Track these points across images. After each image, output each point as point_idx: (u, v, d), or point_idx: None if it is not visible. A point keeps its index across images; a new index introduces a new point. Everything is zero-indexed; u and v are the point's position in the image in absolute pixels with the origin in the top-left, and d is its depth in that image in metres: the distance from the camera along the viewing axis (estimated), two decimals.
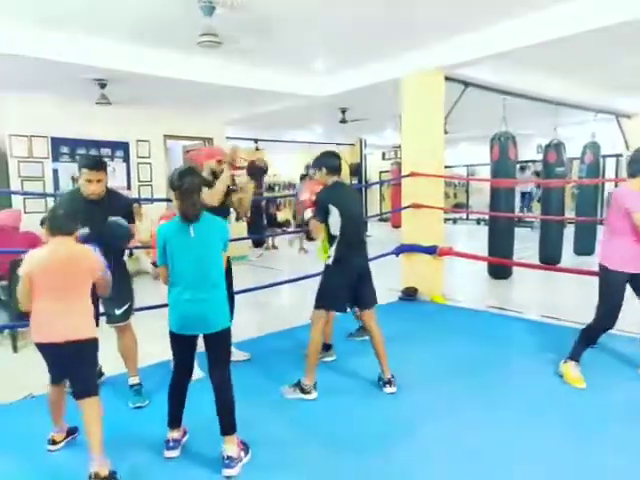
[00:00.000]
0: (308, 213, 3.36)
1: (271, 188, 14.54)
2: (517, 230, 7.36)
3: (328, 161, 3.36)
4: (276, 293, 6.06)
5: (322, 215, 3.22)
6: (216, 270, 2.56)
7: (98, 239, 2.77)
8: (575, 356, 3.45)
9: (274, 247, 11.03)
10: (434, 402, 3.20)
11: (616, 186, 8.08)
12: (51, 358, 2.50)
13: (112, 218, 3.01)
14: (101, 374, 3.53)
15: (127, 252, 7.19)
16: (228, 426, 2.51)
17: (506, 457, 2.57)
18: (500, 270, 7.00)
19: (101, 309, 3.16)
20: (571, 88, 7.32)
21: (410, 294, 5.87)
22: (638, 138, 8.32)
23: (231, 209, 3.82)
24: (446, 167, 7.48)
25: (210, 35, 4.18)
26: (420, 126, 5.85)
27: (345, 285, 3.27)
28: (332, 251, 3.27)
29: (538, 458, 2.54)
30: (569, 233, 8.41)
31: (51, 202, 6.50)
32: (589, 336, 3.45)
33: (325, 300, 3.30)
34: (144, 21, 4.52)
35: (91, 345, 2.52)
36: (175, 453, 2.59)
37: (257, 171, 3.85)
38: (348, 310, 3.59)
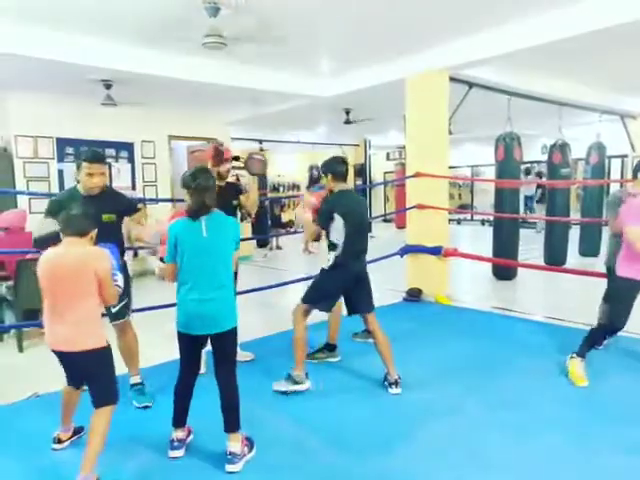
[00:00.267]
0: (308, 215, 3.37)
1: (275, 189, 14.57)
2: (522, 231, 7.34)
3: (336, 167, 3.37)
4: (280, 294, 6.06)
5: (323, 221, 3.25)
6: (226, 270, 2.58)
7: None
8: (582, 353, 3.47)
9: (278, 247, 11.04)
10: (438, 402, 3.20)
11: (621, 187, 8.06)
12: (61, 364, 2.47)
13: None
14: None
15: (132, 253, 7.26)
16: (232, 424, 2.53)
17: (509, 458, 2.56)
18: (505, 271, 6.98)
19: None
20: (576, 89, 7.29)
21: (414, 295, 5.86)
22: None
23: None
24: (451, 168, 7.48)
25: (215, 36, 4.19)
26: (425, 127, 5.85)
27: (338, 289, 3.31)
28: (331, 256, 3.28)
29: (541, 459, 2.53)
30: (574, 234, 8.38)
31: None
32: (598, 336, 3.48)
33: (314, 297, 3.34)
34: (149, 22, 4.53)
35: (97, 355, 2.38)
36: (180, 453, 2.59)
37: (256, 165, 3.85)
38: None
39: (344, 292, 3.39)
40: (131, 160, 8.24)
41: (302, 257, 3.71)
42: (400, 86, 5.93)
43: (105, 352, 2.42)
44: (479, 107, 7.18)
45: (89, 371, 2.42)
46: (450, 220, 7.94)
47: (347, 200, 3.34)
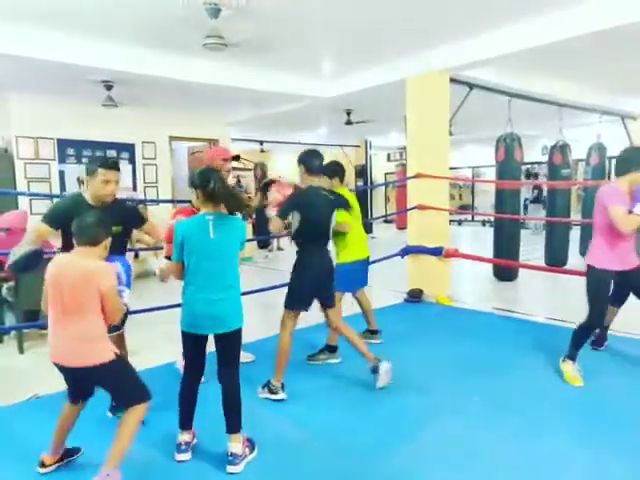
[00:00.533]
0: (271, 212, 3.38)
1: None
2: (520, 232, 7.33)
3: (311, 160, 3.35)
4: (281, 295, 6.05)
5: (282, 212, 3.26)
6: (233, 271, 2.59)
7: None
8: (572, 356, 3.48)
9: (279, 249, 11.04)
10: (439, 403, 3.19)
11: None
12: (64, 377, 2.38)
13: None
14: None
15: (133, 254, 7.26)
16: (234, 425, 2.53)
17: (510, 459, 2.55)
18: (506, 272, 6.98)
19: None
20: (576, 89, 7.30)
21: (415, 296, 5.86)
22: None
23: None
24: (451, 168, 7.47)
25: (216, 37, 4.19)
26: (425, 128, 5.85)
27: (309, 286, 3.31)
28: (299, 254, 3.34)
29: (542, 460, 2.53)
30: (575, 235, 8.36)
31: None
32: (581, 336, 3.47)
33: (291, 300, 3.34)
34: (150, 23, 4.54)
35: (109, 367, 2.27)
36: (187, 456, 2.57)
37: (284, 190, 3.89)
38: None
39: (316, 289, 3.35)
40: (132, 161, 8.24)
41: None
42: (401, 87, 5.94)
43: (114, 364, 2.29)
44: (480, 108, 7.18)
45: (108, 383, 2.34)
46: (451, 221, 7.94)
47: (312, 198, 3.31)
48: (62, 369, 2.32)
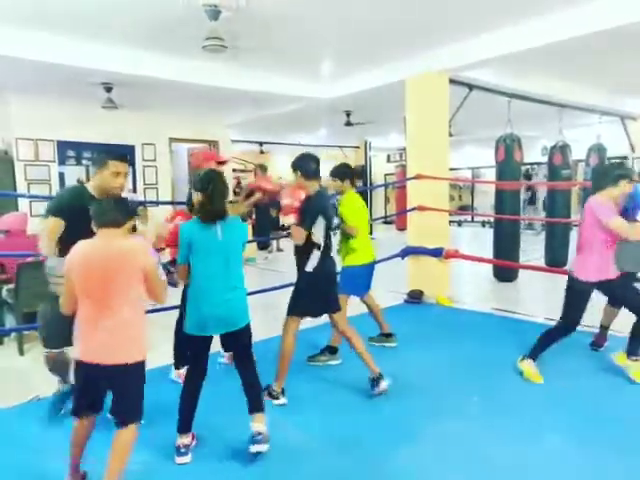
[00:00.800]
0: (290, 219, 3.35)
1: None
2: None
3: (303, 164, 3.29)
4: (282, 296, 6.04)
5: (309, 224, 3.18)
6: (239, 271, 2.64)
7: None
8: (535, 356, 3.53)
9: (279, 250, 11.03)
10: (440, 404, 3.19)
11: None
12: (83, 380, 2.17)
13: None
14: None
15: None
16: (257, 402, 2.63)
17: (511, 460, 2.56)
18: (506, 272, 6.97)
19: None
20: (576, 90, 7.30)
21: (416, 297, 5.86)
22: None
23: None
24: (451, 169, 7.47)
25: (215, 39, 4.19)
26: (425, 128, 5.85)
27: (319, 293, 3.28)
28: (313, 259, 3.23)
29: (543, 462, 2.53)
30: (575, 235, 8.35)
31: None
32: (552, 338, 3.53)
33: (299, 307, 3.28)
34: (150, 25, 4.54)
35: (136, 369, 2.13)
36: (187, 459, 2.57)
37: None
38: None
39: (326, 293, 3.33)
40: (132, 163, 8.24)
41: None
42: (400, 88, 5.94)
43: (143, 366, 2.17)
44: (479, 109, 7.18)
45: (124, 387, 2.15)
46: (451, 222, 7.93)
47: (325, 201, 3.34)
48: (89, 370, 2.10)
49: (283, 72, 6.40)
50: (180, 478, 2.48)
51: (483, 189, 14.98)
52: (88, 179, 2.99)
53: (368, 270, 4.09)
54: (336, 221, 3.43)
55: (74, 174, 7.41)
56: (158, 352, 3.70)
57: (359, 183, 13.72)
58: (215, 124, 9.01)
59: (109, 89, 6.22)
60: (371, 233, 5.69)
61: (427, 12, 4.42)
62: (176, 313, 3.49)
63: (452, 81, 5.83)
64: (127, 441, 2.14)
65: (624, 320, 4.03)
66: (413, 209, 5.99)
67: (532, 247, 8.38)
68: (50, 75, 5.56)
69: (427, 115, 5.82)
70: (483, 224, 14.61)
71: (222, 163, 3.86)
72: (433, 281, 5.91)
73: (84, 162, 7.63)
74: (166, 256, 3.07)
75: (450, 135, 6.10)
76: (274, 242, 10.91)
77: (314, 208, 3.21)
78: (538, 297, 6.59)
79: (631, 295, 3.42)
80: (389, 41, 5.22)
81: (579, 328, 3.60)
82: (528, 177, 13.25)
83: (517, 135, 6.89)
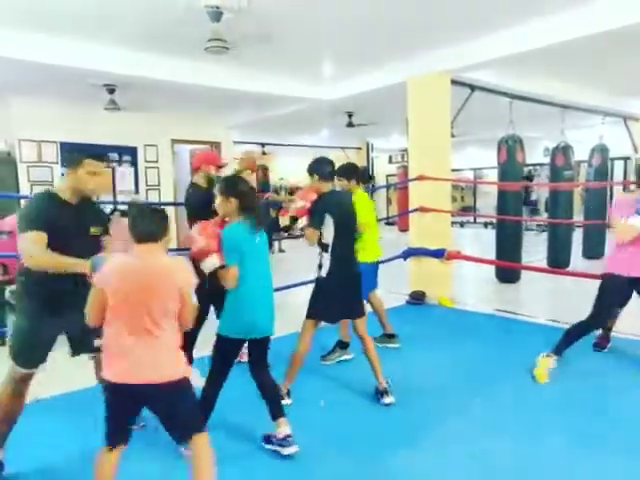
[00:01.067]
0: (303, 221, 3.35)
1: (276, 192, 14.55)
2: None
3: (319, 168, 3.31)
4: (283, 296, 6.05)
5: (316, 223, 3.18)
6: (270, 273, 2.72)
7: (78, 257, 2.24)
8: (559, 351, 3.54)
9: (281, 251, 11.04)
10: (442, 405, 3.19)
11: (624, 189, 8.06)
12: (122, 402, 1.99)
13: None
14: None
15: None
16: (281, 409, 2.71)
17: (513, 461, 2.55)
18: (508, 274, 6.96)
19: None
20: (578, 91, 7.29)
21: (418, 298, 5.85)
22: None
23: None
24: (453, 170, 7.47)
25: (218, 40, 4.20)
26: (427, 129, 5.85)
27: (337, 297, 3.23)
28: (324, 258, 3.22)
29: (545, 462, 2.52)
30: (577, 236, 8.35)
31: None
32: (578, 334, 3.53)
33: (317, 311, 3.25)
34: (152, 27, 4.55)
35: (184, 385, 2.03)
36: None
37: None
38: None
39: (344, 298, 3.28)
40: (134, 164, 8.27)
41: (306, 260, 3.70)
42: (402, 89, 5.94)
43: (187, 382, 2.05)
44: (481, 110, 7.18)
45: (174, 407, 2.01)
46: (453, 223, 7.93)
47: (337, 200, 3.31)
48: (127, 390, 1.94)
49: (285, 73, 6.41)
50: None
51: (485, 190, 14.96)
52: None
53: (375, 268, 4.11)
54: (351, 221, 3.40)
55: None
56: None
57: (369, 184, 13.73)
58: (217, 125, 9.03)
59: (112, 91, 6.24)
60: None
61: (429, 13, 4.42)
62: None
63: (454, 82, 5.82)
64: (208, 448, 2.03)
65: (627, 321, 4.03)
66: (415, 210, 5.98)
67: (534, 248, 8.36)
68: (53, 77, 5.57)
69: (429, 116, 5.82)
70: (485, 225, 14.59)
71: (221, 167, 3.86)
72: (435, 282, 5.91)
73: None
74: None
75: (452, 136, 6.10)
76: (275, 243, 10.92)
77: (320, 206, 3.21)
78: (540, 298, 6.58)
79: None
80: (391, 42, 5.22)
81: None
82: (530, 178, 13.24)
83: (519, 136, 6.88)
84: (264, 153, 12.51)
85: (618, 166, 11.72)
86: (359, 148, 14.15)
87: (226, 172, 3.92)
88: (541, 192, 13.94)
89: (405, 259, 6.04)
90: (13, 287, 4.58)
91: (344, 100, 7.25)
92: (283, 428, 2.63)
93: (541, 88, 6.75)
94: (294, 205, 3.42)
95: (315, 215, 3.19)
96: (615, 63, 6.02)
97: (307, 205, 3.31)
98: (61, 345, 2.53)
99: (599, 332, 4.06)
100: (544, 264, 7.56)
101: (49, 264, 2.31)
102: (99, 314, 1.98)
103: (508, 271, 6.92)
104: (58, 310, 2.42)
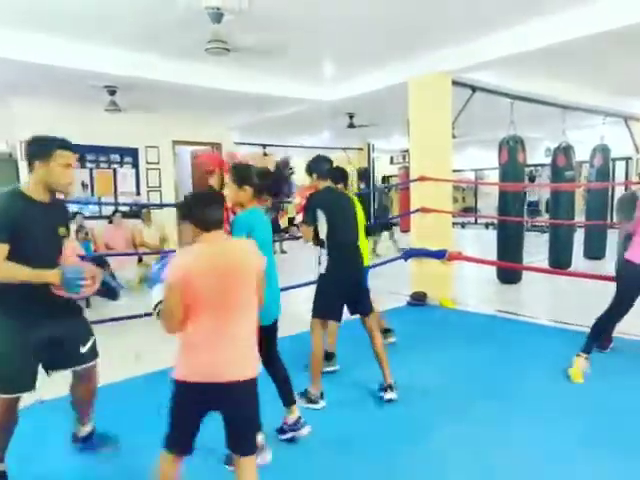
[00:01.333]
0: (299, 217, 3.37)
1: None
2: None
3: (317, 166, 3.38)
4: (286, 297, 6.05)
5: (309, 219, 3.23)
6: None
7: (48, 261, 2.11)
8: (588, 349, 3.54)
9: (283, 252, 11.04)
10: (443, 406, 3.19)
11: (626, 189, 8.03)
12: (197, 405, 1.84)
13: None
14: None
15: (136, 258, 7.27)
16: (293, 395, 2.81)
17: (515, 462, 2.55)
18: (509, 274, 6.95)
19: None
20: (579, 91, 7.29)
21: (419, 298, 5.85)
22: None
23: None
24: (454, 171, 7.46)
25: (218, 42, 4.21)
26: (428, 130, 5.85)
27: (339, 294, 3.23)
28: (323, 254, 3.24)
29: (548, 464, 2.52)
30: (579, 237, 8.34)
31: None
32: (603, 326, 3.57)
33: (320, 309, 3.27)
34: (152, 28, 4.56)
35: (255, 385, 1.91)
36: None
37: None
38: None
39: (346, 294, 3.29)
40: (135, 165, 8.27)
41: (307, 261, 3.71)
42: (403, 90, 5.94)
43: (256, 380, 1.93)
44: (482, 110, 7.17)
45: (249, 403, 1.88)
46: (454, 223, 7.92)
47: (330, 195, 3.32)
48: (205, 391, 1.79)
49: (286, 74, 6.41)
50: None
51: (486, 191, 14.95)
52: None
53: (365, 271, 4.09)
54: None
55: (77, 176, 7.43)
56: (161, 353, 3.70)
57: (362, 185, 13.72)
58: (218, 126, 9.02)
59: (112, 92, 6.24)
60: (369, 235, 5.63)
61: (429, 13, 4.42)
62: None
63: (455, 83, 5.82)
64: (255, 472, 1.90)
65: (630, 321, 4.02)
66: (416, 211, 5.98)
67: (536, 249, 8.35)
68: (54, 78, 5.58)
69: (430, 117, 5.82)
70: (486, 226, 14.58)
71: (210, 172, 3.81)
72: (436, 283, 5.90)
73: (88, 165, 7.66)
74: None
75: (453, 137, 6.10)
76: (277, 244, 10.92)
77: (312, 203, 3.24)
78: (542, 299, 6.57)
79: None
80: (392, 43, 5.22)
81: (582, 330, 3.59)
82: (532, 179, 13.24)
83: (520, 136, 6.88)
84: (265, 154, 12.51)
85: (619, 166, 11.70)
86: (360, 149, 14.14)
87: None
88: (542, 193, 13.93)
89: (406, 260, 6.03)
90: None
91: (345, 101, 7.24)
92: (295, 414, 2.75)
93: (542, 88, 6.74)
94: (294, 202, 3.46)
95: (307, 211, 3.24)
96: (616, 63, 6.02)
97: (303, 202, 3.33)
98: None
99: None
100: (545, 264, 7.55)
101: (10, 277, 2.08)
102: (178, 320, 1.79)
103: (509, 272, 6.91)
104: (34, 324, 2.20)
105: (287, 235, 11.25)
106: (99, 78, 5.63)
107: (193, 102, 7.26)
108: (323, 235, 3.23)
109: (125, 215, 7.66)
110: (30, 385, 2.26)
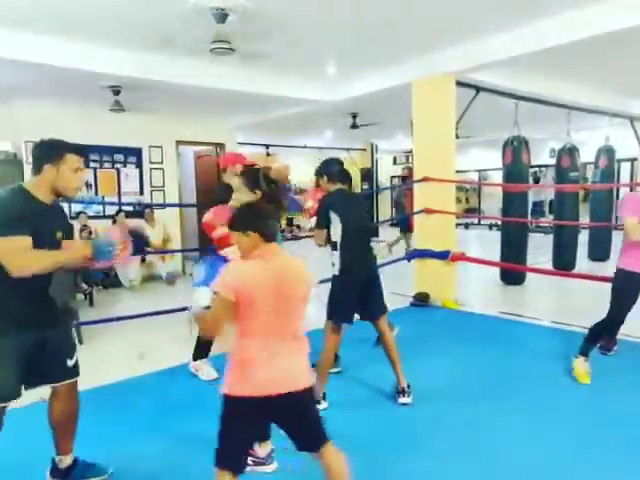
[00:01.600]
0: (312, 221, 3.36)
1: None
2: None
3: (328, 169, 3.40)
4: None
5: (323, 221, 3.21)
6: None
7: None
8: (585, 352, 3.53)
9: None
10: (447, 408, 3.18)
11: (631, 190, 8.00)
12: (253, 419, 1.84)
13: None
14: None
15: (139, 258, 7.29)
16: None
17: (519, 464, 2.53)
18: (513, 275, 6.93)
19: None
20: (584, 92, 7.26)
21: (422, 299, 5.83)
22: None
23: None
24: (458, 172, 7.44)
25: (222, 42, 4.20)
26: (432, 131, 5.84)
27: (351, 296, 3.21)
28: (335, 256, 3.21)
29: (552, 467, 2.50)
30: (582, 238, 8.30)
31: (65, 208, 6.55)
32: (599, 332, 3.52)
33: (333, 312, 3.24)
34: (157, 28, 4.56)
35: (312, 392, 1.93)
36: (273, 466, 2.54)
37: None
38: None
39: (357, 298, 3.25)
40: (139, 165, 8.29)
41: (311, 261, 3.70)
42: (407, 90, 5.93)
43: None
44: (486, 111, 7.16)
45: (309, 413, 1.94)
46: (457, 224, 7.90)
47: (342, 198, 3.30)
48: (266, 404, 1.77)
49: (289, 75, 6.41)
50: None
51: (490, 191, 14.91)
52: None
53: None
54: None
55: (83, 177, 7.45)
56: (166, 353, 3.71)
57: (365, 185, 13.72)
58: (221, 126, 9.04)
59: (117, 92, 6.26)
60: (377, 235, 5.66)
61: (432, 14, 4.41)
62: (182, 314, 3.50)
63: (459, 83, 5.81)
64: (343, 457, 1.94)
65: (633, 324, 4.00)
66: (420, 212, 5.97)
67: (540, 250, 8.33)
68: (58, 78, 5.59)
69: (434, 117, 5.81)
70: (490, 227, 14.54)
71: (248, 166, 3.86)
72: (439, 284, 5.89)
73: (92, 165, 7.68)
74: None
75: (457, 137, 6.08)
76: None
77: (324, 206, 3.23)
78: (546, 300, 6.55)
79: None
80: (395, 43, 5.21)
81: (585, 331, 3.58)
82: (536, 180, 13.20)
83: (524, 137, 6.86)
84: (268, 154, 12.52)
85: (625, 167, 11.66)
86: (363, 149, 14.14)
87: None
88: (546, 193, 13.88)
89: (409, 261, 6.02)
90: None
91: (348, 101, 7.24)
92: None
93: (546, 89, 6.72)
94: (306, 206, 3.45)
95: (319, 215, 3.22)
96: (621, 64, 5.99)
97: (315, 205, 3.33)
98: None
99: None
100: (549, 266, 7.52)
101: (43, 265, 2.06)
102: (222, 326, 1.80)
103: (513, 273, 6.89)
104: (21, 330, 2.11)
105: (290, 235, 11.25)
106: (104, 78, 5.64)
107: (197, 102, 7.26)
108: (337, 237, 3.20)
109: (128, 215, 7.68)
110: (16, 394, 2.20)
